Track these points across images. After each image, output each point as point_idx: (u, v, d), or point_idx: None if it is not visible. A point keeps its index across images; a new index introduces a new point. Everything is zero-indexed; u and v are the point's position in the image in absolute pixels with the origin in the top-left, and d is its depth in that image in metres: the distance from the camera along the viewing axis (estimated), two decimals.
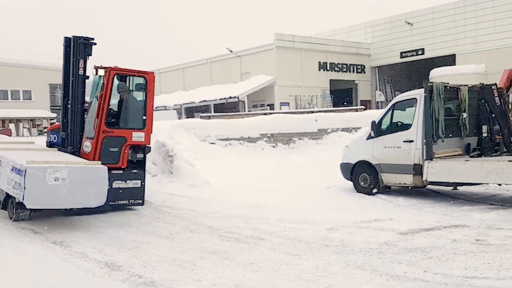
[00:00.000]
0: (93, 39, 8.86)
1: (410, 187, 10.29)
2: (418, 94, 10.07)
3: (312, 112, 24.76)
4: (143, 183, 8.84)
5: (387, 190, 10.73)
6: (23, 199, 7.00)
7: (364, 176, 10.81)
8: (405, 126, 10.27)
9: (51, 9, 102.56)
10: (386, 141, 10.43)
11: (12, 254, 6.25)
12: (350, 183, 11.20)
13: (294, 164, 15.60)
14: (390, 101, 13.16)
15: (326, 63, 40.24)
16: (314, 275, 5.32)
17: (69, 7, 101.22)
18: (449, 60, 36.76)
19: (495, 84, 11.31)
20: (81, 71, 8.73)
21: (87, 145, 8.60)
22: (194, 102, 37.77)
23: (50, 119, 28.82)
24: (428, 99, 9.71)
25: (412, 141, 9.94)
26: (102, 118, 8.51)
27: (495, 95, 10.85)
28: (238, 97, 34.77)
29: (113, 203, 8.34)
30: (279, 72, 36.77)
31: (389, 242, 6.60)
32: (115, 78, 8.79)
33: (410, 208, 9.33)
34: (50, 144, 9.72)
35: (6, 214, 8.28)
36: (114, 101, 8.92)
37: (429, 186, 10.26)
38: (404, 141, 10.07)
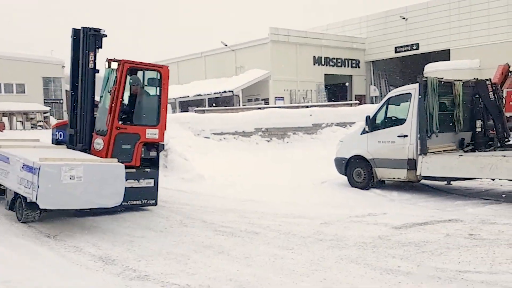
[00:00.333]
0: (103, 30, 8.35)
1: (404, 182, 10.33)
2: (413, 89, 10.09)
3: (307, 106, 24.76)
4: (156, 183, 8.46)
5: (381, 184, 10.78)
6: (36, 199, 6.52)
7: (358, 171, 10.84)
8: (400, 121, 10.29)
9: (51, 9, 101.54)
10: (381, 136, 10.45)
11: (5, 248, 6.23)
12: (345, 178, 11.23)
13: (289, 159, 15.64)
14: (385, 96, 13.18)
15: (321, 57, 40.24)
16: (308, 269, 5.33)
17: (69, 7, 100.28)
18: (443, 55, 36.85)
19: (489, 79, 11.37)
20: (91, 65, 8.27)
21: (98, 142, 8.10)
22: (188, 96, 37.60)
23: (44, 113, 28.53)
24: (422, 94, 9.73)
25: (406, 136, 9.97)
26: (115, 113, 8.03)
27: (489, 90, 10.90)
28: (232, 91, 34.70)
29: (126, 203, 7.70)
30: (274, 66, 36.74)
31: (383, 236, 6.63)
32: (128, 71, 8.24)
33: (404, 202, 9.37)
34: (56, 142, 9.30)
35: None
36: (126, 96, 8.44)
37: (423, 181, 10.31)
38: (398, 136, 10.10)
